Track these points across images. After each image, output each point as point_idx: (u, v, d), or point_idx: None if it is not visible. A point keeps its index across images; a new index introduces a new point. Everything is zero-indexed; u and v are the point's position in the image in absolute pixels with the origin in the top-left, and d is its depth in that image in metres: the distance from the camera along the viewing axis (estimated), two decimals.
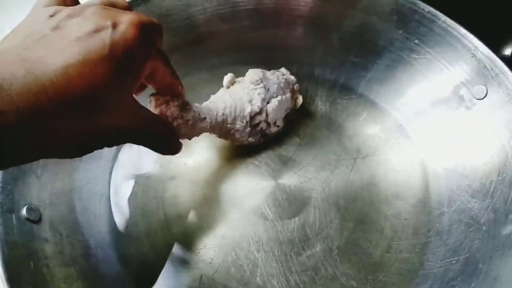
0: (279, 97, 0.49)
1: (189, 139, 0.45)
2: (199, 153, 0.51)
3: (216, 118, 0.46)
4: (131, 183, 0.49)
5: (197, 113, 0.44)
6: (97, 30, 0.27)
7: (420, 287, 0.43)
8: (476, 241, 0.43)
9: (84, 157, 0.44)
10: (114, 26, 0.28)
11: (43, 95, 0.24)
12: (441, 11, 0.50)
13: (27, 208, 0.39)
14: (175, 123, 0.42)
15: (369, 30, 0.54)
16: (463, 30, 0.48)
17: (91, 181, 0.47)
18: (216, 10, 0.55)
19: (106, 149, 0.46)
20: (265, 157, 0.51)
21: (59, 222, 0.42)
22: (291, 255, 0.45)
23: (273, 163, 0.51)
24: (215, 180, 0.49)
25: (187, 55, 0.55)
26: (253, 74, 0.50)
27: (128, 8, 0.34)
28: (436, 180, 0.49)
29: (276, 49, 0.56)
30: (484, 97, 0.46)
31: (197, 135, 0.46)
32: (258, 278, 0.44)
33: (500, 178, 0.43)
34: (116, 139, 0.32)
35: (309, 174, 0.50)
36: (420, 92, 0.52)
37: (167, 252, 0.45)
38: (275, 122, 0.50)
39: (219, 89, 0.50)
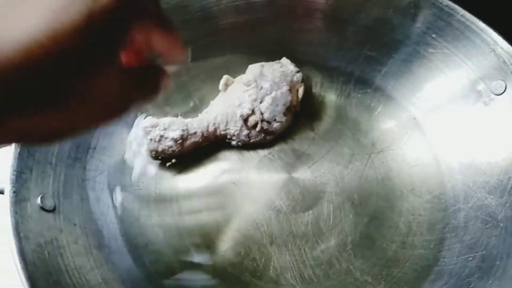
0: (273, 94, 0.49)
1: (186, 154, 0.49)
2: (213, 148, 0.50)
3: (207, 129, 0.48)
4: (145, 175, 0.48)
5: (186, 131, 0.47)
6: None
7: (436, 283, 0.42)
8: (493, 238, 0.42)
9: (97, 147, 0.44)
10: None
11: None
12: (459, 5, 0.49)
13: (41, 197, 0.39)
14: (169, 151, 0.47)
15: (385, 23, 0.53)
16: (482, 24, 0.47)
17: (104, 172, 0.47)
18: (231, 2, 0.54)
19: (121, 139, 0.46)
20: (278, 151, 0.51)
21: (72, 212, 0.42)
22: (304, 249, 0.45)
23: (286, 157, 0.50)
24: (229, 173, 0.49)
25: (201, 48, 0.54)
26: (249, 72, 0.51)
27: None
28: (452, 176, 0.48)
29: (290, 42, 0.56)
30: (503, 92, 0.46)
31: (193, 149, 0.49)
32: (271, 271, 0.43)
33: None
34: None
35: (323, 168, 0.49)
36: (436, 87, 0.51)
37: (180, 244, 0.45)
38: (275, 119, 0.50)
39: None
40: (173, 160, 0.49)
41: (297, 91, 0.52)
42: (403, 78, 0.53)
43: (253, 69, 0.51)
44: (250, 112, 0.49)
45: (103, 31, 0.24)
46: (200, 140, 0.49)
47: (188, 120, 0.49)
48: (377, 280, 0.43)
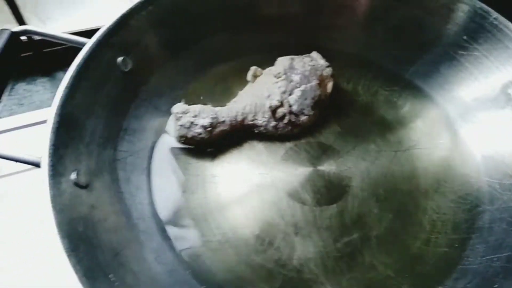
0: (302, 87, 0.49)
1: (214, 141, 0.49)
2: (240, 137, 0.51)
3: (236, 118, 0.49)
4: (173, 159, 0.49)
5: (216, 119, 0.48)
6: None
7: (459, 281, 0.42)
8: None
9: (128, 130, 0.45)
10: None
11: None
12: (493, 8, 0.49)
13: (76, 173, 0.40)
14: (198, 138, 0.48)
15: (416, 23, 0.54)
16: None
17: (134, 154, 0.47)
18: None
19: (151, 123, 0.47)
20: (304, 144, 0.51)
21: (103, 191, 0.43)
22: (328, 241, 0.45)
23: (312, 150, 0.51)
24: (255, 163, 0.50)
25: (231, 39, 0.55)
26: (279, 64, 0.51)
27: None
28: (478, 177, 0.48)
29: (320, 37, 0.56)
30: None
31: (220, 136, 0.49)
32: (295, 260, 0.44)
33: None
34: None
35: (349, 163, 0.50)
36: (465, 89, 0.52)
37: (207, 229, 0.45)
38: (303, 112, 0.50)
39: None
40: (201, 147, 0.49)
41: (326, 85, 0.52)
42: (432, 78, 0.54)
43: (283, 61, 0.52)
44: (278, 103, 0.50)
45: None
46: (228, 128, 0.49)
47: (218, 108, 0.49)
48: (400, 275, 0.43)
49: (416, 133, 0.52)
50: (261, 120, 0.50)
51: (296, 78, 0.50)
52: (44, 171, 0.37)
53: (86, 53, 0.43)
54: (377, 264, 0.44)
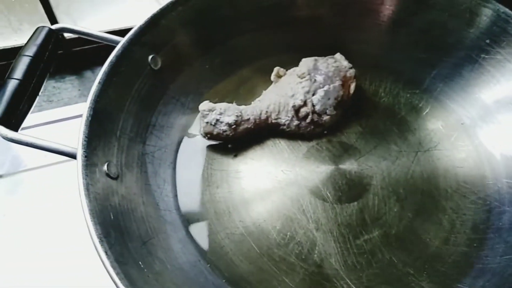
0: (326, 87, 0.51)
1: (238, 138, 0.51)
2: (264, 135, 0.52)
3: (260, 116, 0.50)
4: (198, 155, 0.51)
5: (240, 117, 0.49)
6: None
7: (478, 280, 0.43)
8: None
9: (157, 125, 0.47)
10: None
11: None
12: None
13: (107, 164, 0.42)
14: (223, 135, 0.49)
15: (439, 27, 0.54)
16: None
17: (162, 148, 0.49)
18: None
19: (178, 120, 0.49)
20: (326, 142, 0.52)
21: (133, 182, 0.44)
22: (349, 237, 0.46)
23: (334, 149, 0.52)
24: (277, 160, 0.51)
25: (258, 40, 0.57)
26: (303, 65, 0.52)
27: None
28: (498, 179, 0.49)
29: (344, 39, 0.57)
30: None
31: (244, 134, 0.50)
32: (315, 255, 0.45)
33: None
34: None
35: (370, 162, 0.51)
36: (487, 92, 0.52)
37: (229, 222, 0.46)
38: (325, 112, 0.51)
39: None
40: (226, 143, 0.51)
41: (349, 86, 0.53)
42: (453, 81, 0.54)
43: (307, 62, 0.53)
44: (302, 103, 0.51)
45: None
46: (252, 126, 0.51)
47: (242, 107, 0.51)
48: (419, 273, 0.44)
49: (437, 135, 0.53)
50: (284, 119, 0.51)
51: (319, 78, 0.51)
52: (78, 161, 0.39)
53: (118, 51, 0.45)
54: (396, 261, 0.44)
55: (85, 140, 0.40)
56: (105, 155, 0.42)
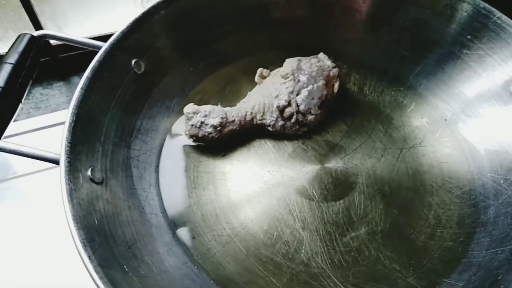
0: (309, 87, 0.51)
1: (224, 140, 0.51)
2: (249, 136, 0.52)
3: (245, 118, 0.50)
4: (184, 157, 0.51)
5: (225, 118, 0.49)
6: None
7: (464, 274, 0.43)
8: None
9: (141, 129, 0.47)
10: None
11: None
12: (496, 8, 0.50)
13: (91, 169, 0.42)
14: (208, 137, 0.49)
15: (421, 24, 0.55)
16: None
17: (147, 152, 0.49)
18: None
19: (162, 123, 0.49)
20: (312, 142, 0.53)
21: (117, 187, 0.44)
22: (335, 236, 0.46)
23: (320, 148, 0.52)
24: (263, 160, 0.51)
25: (240, 41, 0.57)
26: (286, 65, 0.53)
27: None
28: (483, 173, 0.49)
29: (327, 39, 0.58)
30: None
31: (230, 135, 0.51)
32: (302, 254, 0.45)
33: None
34: None
35: (355, 160, 0.51)
36: (469, 87, 0.53)
37: (216, 224, 0.47)
38: (310, 111, 0.51)
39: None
40: (212, 145, 0.51)
41: (333, 85, 0.54)
42: (436, 77, 0.55)
43: (291, 62, 0.53)
44: (286, 103, 0.51)
45: None
46: (237, 128, 0.51)
47: (227, 108, 0.51)
48: (405, 269, 0.44)
49: (421, 131, 0.53)
50: (269, 119, 0.51)
51: (303, 78, 0.52)
52: (61, 167, 0.39)
53: (101, 56, 0.45)
54: (382, 258, 0.45)
55: (68, 146, 0.40)
56: (89, 161, 0.42)
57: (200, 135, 0.50)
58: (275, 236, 0.46)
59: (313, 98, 0.51)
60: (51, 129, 0.64)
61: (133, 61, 0.49)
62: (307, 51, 0.55)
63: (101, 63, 0.45)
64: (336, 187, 0.49)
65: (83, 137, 0.42)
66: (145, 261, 0.40)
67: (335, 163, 0.51)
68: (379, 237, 0.46)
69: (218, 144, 0.51)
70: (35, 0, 0.63)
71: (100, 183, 0.42)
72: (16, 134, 0.62)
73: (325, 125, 0.53)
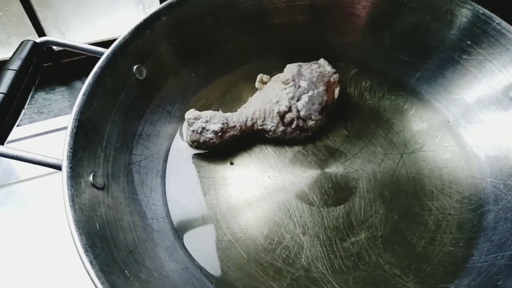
0: (310, 93, 0.51)
1: (225, 146, 0.51)
2: (250, 141, 0.53)
3: (245, 123, 0.51)
4: (185, 163, 0.51)
5: (226, 124, 0.50)
6: None
7: (464, 279, 0.43)
8: None
9: (143, 134, 0.47)
10: None
11: None
12: (495, 13, 0.50)
13: (93, 175, 0.42)
14: (209, 143, 0.50)
15: (421, 29, 0.55)
16: None
17: (148, 157, 0.50)
18: (272, 4, 0.57)
19: (164, 128, 0.49)
20: (312, 147, 0.53)
21: (119, 192, 0.45)
22: (335, 241, 0.46)
23: (320, 153, 0.52)
24: (264, 166, 0.51)
25: (242, 46, 0.57)
26: (287, 71, 0.53)
27: None
28: (483, 178, 0.49)
29: (327, 44, 0.58)
30: None
31: (231, 141, 0.51)
32: (303, 259, 0.45)
33: None
34: None
35: (356, 165, 0.51)
36: (469, 92, 0.53)
37: (217, 229, 0.47)
38: (310, 117, 0.52)
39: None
40: (213, 151, 0.51)
41: (333, 91, 0.54)
42: (437, 82, 0.55)
43: (291, 68, 0.54)
44: (287, 109, 0.51)
45: None
46: (238, 133, 0.51)
47: (228, 114, 0.51)
48: (405, 274, 0.44)
49: (422, 136, 0.53)
50: (270, 125, 0.52)
51: (303, 84, 0.52)
52: (63, 172, 0.39)
53: (103, 62, 0.46)
54: (383, 263, 0.45)
55: (70, 152, 0.40)
56: (91, 166, 0.42)
57: (201, 141, 0.50)
58: (275, 241, 0.46)
59: (313, 104, 0.52)
60: (53, 134, 0.65)
61: (135, 67, 0.49)
62: (308, 57, 0.55)
63: (103, 69, 0.45)
64: (336, 192, 0.49)
65: (85, 143, 0.43)
66: (146, 266, 0.40)
67: (335, 168, 0.51)
68: (379, 242, 0.46)
69: (219, 149, 0.51)
70: (38, 6, 0.64)
71: (101, 189, 0.42)
72: (19, 139, 0.63)
73: (326, 130, 0.54)
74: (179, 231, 0.46)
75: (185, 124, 0.50)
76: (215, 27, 0.55)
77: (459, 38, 0.53)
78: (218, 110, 0.53)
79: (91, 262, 0.35)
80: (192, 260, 0.45)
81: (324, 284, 0.43)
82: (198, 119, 0.50)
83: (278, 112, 0.51)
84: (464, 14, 0.52)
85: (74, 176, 0.40)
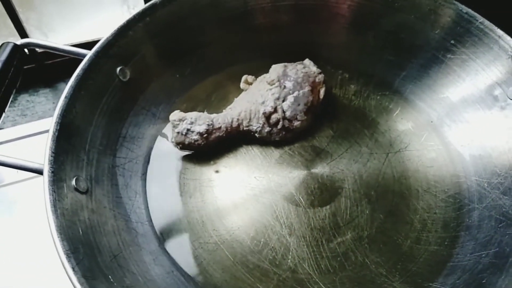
0: (295, 93, 0.51)
1: (211, 147, 0.51)
2: (236, 142, 0.52)
3: (231, 124, 0.50)
4: (171, 165, 0.51)
5: (211, 125, 0.49)
6: None
7: (449, 278, 0.44)
8: (507, 236, 0.43)
9: (127, 136, 0.47)
10: None
11: None
12: (478, 13, 0.51)
13: (76, 179, 0.41)
14: (195, 145, 0.49)
15: (405, 29, 0.55)
16: (500, 32, 0.49)
17: (133, 160, 0.49)
18: (257, 4, 0.56)
19: (149, 130, 0.49)
20: (298, 148, 0.53)
21: (103, 196, 0.44)
22: (322, 241, 0.46)
23: (306, 153, 0.52)
24: (250, 167, 0.51)
25: (227, 47, 0.57)
26: (272, 71, 0.53)
27: None
28: (467, 177, 0.50)
29: (312, 44, 0.58)
30: None
31: (217, 142, 0.51)
32: (289, 261, 0.45)
33: None
34: None
35: (342, 165, 0.51)
36: (454, 91, 0.53)
37: (202, 231, 0.47)
38: (296, 117, 0.52)
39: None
40: (198, 152, 0.51)
41: (319, 91, 0.54)
42: (421, 82, 0.55)
43: (277, 68, 0.53)
44: (272, 110, 0.51)
45: None
46: (224, 134, 0.51)
47: (213, 115, 0.51)
48: (391, 273, 0.44)
49: (407, 136, 0.53)
50: (255, 125, 0.51)
51: (289, 84, 0.52)
52: (45, 177, 0.38)
53: (85, 64, 0.45)
54: (369, 262, 0.45)
55: (51, 156, 0.40)
56: (74, 170, 0.42)
57: (186, 143, 0.50)
58: (262, 242, 0.46)
59: (299, 104, 0.52)
60: (37, 136, 0.64)
61: (118, 69, 0.49)
62: (293, 57, 0.55)
63: (85, 71, 0.45)
64: (322, 193, 0.49)
65: (67, 147, 0.42)
66: (130, 271, 0.40)
67: (321, 169, 0.51)
68: (366, 242, 0.46)
69: (204, 151, 0.51)
70: (20, 7, 0.63)
71: (85, 193, 0.42)
72: (2, 143, 0.62)
73: (311, 130, 0.54)
74: (164, 234, 0.46)
75: (170, 125, 0.50)
76: (200, 28, 0.54)
77: (443, 38, 0.53)
78: (203, 111, 0.52)
79: (73, 268, 0.34)
80: (178, 263, 0.44)
81: (310, 285, 0.43)
82: (183, 121, 0.50)
83: (264, 113, 0.51)
84: (447, 14, 0.52)
85: (56, 181, 0.39)
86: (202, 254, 0.45)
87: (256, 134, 0.52)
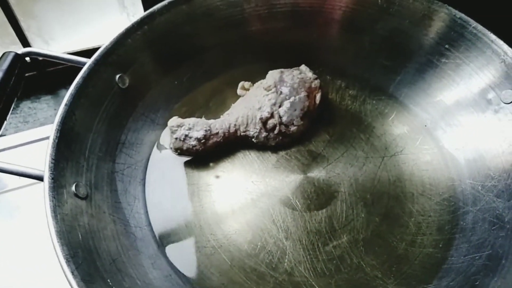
0: (291, 99, 0.52)
1: (208, 152, 0.52)
2: (234, 147, 0.53)
3: (228, 130, 0.51)
4: (169, 170, 0.52)
5: (209, 131, 0.50)
6: None
7: (443, 280, 0.44)
8: (500, 238, 0.44)
9: (126, 143, 0.48)
10: None
11: None
12: (471, 17, 0.51)
13: (75, 185, 0.42)
14: (193, 150, 0.50)
15: (400, 34, 0.56)
16: (493, 36, 0.50)
17: (132, 166, 0.50)
18: (254, 11, 0.57)
19: (147, 136, 0.50)
20: (295, 152, 0.54)
21: (102, 201, 0.45)
22: (318, 245, 0.47)
23: (302, 158, 0.53)
24: (248, 171, 0.52)
25: (224, 54, 0.58)
26: (269, 77, 0.54)
27: None
28: (462, 180, 0.50)
29: (309, 50, 0.59)
30: None
31: (214, 147, 0.52)
32: (286, 264, 0.46)
33: None
34: None
35: (338, 169, 0.52)
36: (448, 95, 0.54)
37: (200, 235, 0.47)
38: (292, 123, 0.52)
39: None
40: (196, 157, 0.52)
41: (315, 97, 0.55)
42: (416, 86, 0.56)
43: (273, 74, 0.54)
44: (269, 115, 0.52)
45: None
46: (221, 140, 0.52)
47: (211, 121, 0.52)
48: (386, 276, 0.45)
49: (402, 139, 0.54)
50: (252, 131, 0.52)
51: (285, 90, 0.53)
52: (45, 184, 0.39)
53: (85, 72, 0.46)
54: (364, 265, 0.46)
55: (52, 163, 0.41)
56: (73, 176, 0.43)
57: (184, 148, 0.51)
58: (258, 246, 0.47)
59: (295, 110, 0.52)
60: (39, 143, 0.65)
61: (117, 76, 0.50)
62: (290, 62, 0.56)
63: (85, 79, 0.46)
64: (318, 196, 0.50)
65: (67, 153, 0.43)
66: (129, 275, 0.41)
67: (317, 173, 0.52)
68: (361, 245, 0.47)
69: (202, 156, 0.52)
70: (22, 16, 0.64)
71: (84, 198, 0.43)
72: (3, 149, 0.63)
73: (308, 135, 0.54)
74: (162, 238, 0.47)
75: (168, 131, 0.51)
76: (197, 35, 0.55)
77: (437, 42, 0.53)
78: (202, 117, 0.53)
79: (72, 273, 0.35)
80: (176, 267, 0.45)
81: None
82: (181, 127, 0.51)
83: (261, 118, 0.52)
84: (441, 19, 0.52)
85: (56, 187, 0.40)
86: (200, 258, 0.46)
87: (253, 139, 0.52)
